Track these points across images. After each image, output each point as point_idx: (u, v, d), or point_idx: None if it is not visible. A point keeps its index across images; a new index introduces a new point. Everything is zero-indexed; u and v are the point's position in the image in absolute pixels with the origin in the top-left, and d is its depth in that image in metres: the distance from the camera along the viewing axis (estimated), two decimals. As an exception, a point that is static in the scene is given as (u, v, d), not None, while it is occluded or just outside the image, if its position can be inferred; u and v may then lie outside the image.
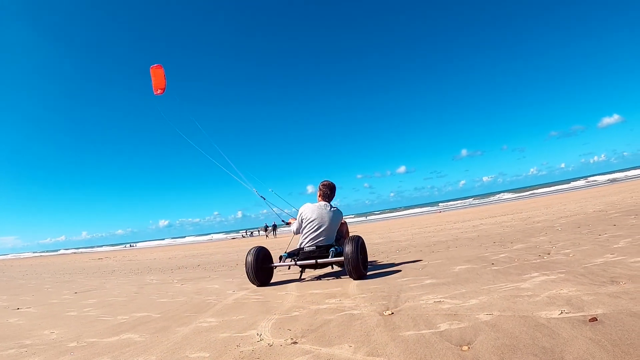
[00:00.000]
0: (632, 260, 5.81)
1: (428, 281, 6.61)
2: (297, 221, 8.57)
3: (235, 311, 5.95)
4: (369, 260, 9.27)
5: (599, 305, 4.01)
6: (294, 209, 9.79)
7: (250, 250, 8.28)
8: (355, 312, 5.07)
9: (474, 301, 4.89)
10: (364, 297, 5.96)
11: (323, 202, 8.57)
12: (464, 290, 5.55)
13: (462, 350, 3.37)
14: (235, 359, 3.77)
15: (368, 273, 8.04)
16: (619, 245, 7.17)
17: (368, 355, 3.49)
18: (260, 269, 8.15)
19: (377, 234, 26.20)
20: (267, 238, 51.65)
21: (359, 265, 7.40)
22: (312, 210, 8.38)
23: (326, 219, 8.27)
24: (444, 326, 4.05)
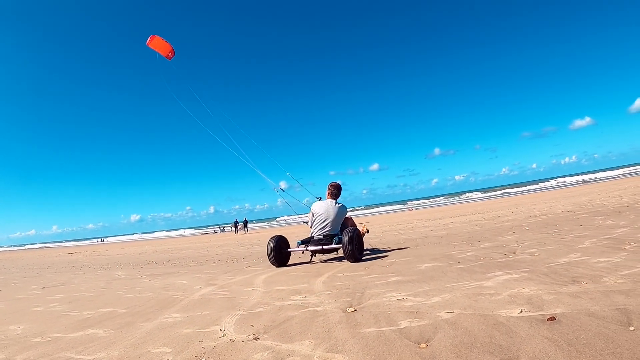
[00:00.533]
0: (595, 260, 5.90)
1: (394, 278, 6.64)
2: (309, 216, 10.35)
3: (200, 307, 5.98)
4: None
5: (558, 304, 4.05)
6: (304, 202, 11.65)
7: (271, 238, 10.06)
8: (318, 308, 5.12)
9: (436, 299, 4.93)
10: (329, 293, 6.00)
11: (330, 200, 10.29)
12: (427, 288, 5.59)
13: (420, 347, 3.40)
14: (197, 355, 3.79)
15: (348, 261, 9.23)
16: (584, 246, 7.28)
17: (327, 352, 3.52)
18: (279, 253, 9.93)
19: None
20: (236, 234, 50.92)
21: (354, 251, 9.03)
22: (320, 207, 10.15)
23: (332, 213, 9.99)
24: (404, 323, 4.09)
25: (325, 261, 10.14)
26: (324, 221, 10.01)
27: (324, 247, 9.81)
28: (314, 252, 10.26)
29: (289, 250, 10.27)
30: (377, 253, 9.94)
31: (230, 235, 51.85)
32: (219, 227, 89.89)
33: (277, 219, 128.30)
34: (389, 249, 11.65)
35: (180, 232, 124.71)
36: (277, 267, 9.77)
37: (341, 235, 9.48)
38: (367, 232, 11.50)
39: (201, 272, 11.03)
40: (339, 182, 10.49)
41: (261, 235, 37.58)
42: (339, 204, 10.21)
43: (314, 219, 10.18)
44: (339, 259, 10.20)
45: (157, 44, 12.29)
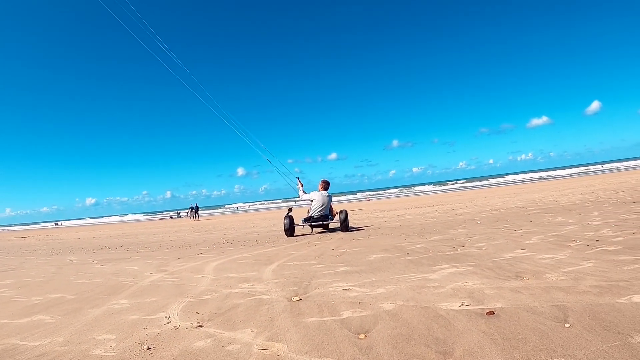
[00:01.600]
0: (540, 256, 6.04)
1: (342, 268, 6.72)
2: (308, 198, 14.96)
3: (149, 293, 5.99)
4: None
5: (499, 299, 4.14)
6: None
7: (285, 216, 14.55)
8: (265, 297, 5.17)
9: (381, 290, 5.01)
10: (276, 282, 6.06)
11: (322, 191, 14.84)
12: (374, 279, 5.66)
13: (358, 338, 3.44)
14: (140, 342, 3.79)
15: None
16: (531, 242, 7.45)
17: (268, 340, 3.55)
18: (291, 227, 14.27)
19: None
20: (193, 220, 49.92)
21: (347, 224, 14.07)
22: (317, 196, 14.70)
23: (325, 201, 14.69)
24: (346, 314, 4.15)
25: (320, 232, 14.63)
26: (320, 206, 14.62)
27: (323, 223, 14.81)
28: (312, 227, 15.08)
29: (296, 225, 14.68)
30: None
31: (185, 221, 50.97)
32: (177, 213, 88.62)
33: (227, 206, 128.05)
34: (341, 238, 11.90)
35: (130, 217, 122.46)
36: (288, 237, 13.95)
37: (330, 215, 14.78)
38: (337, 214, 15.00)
39: (153, 258, 10.99)
40: (327, 179, 15.01)
41: (216, 222, 37.36)
42: (328, 194, 14.90)
43: (313, 204, 14.70)
44: (330, 230, 15.00)
45: None
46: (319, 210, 14.61)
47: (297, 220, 14.66)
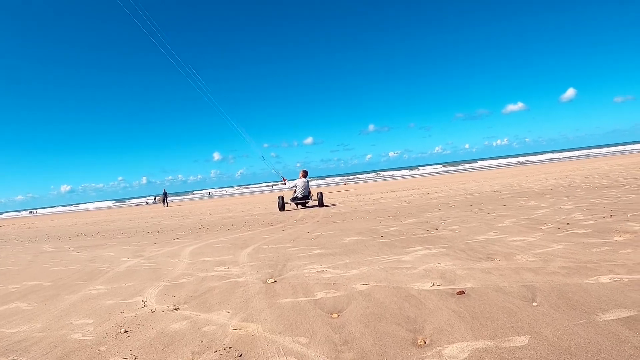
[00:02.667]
0: (512, 239, 6.18)
1: (317, 251, 6.83)
2: (293, 185, 19.29)
3: (125, 278, 6.06)
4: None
5: (469, 279, 4.24)
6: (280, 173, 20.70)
7: (279, 196, 19.38)
8: (240, 279, 5.26)
9: (354, 271, 5.11)
10: (252, 265, 6.15)
11: (304, 178, 19.26)
12: (348, 261, 5.77)
13: (331, 317, 3.53)
14: (117, 325, 3.84)
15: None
16: (503, 225, 7.59)
17: (243, 321, 3.63)
18: (282, 205, 18.99)
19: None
20: (165, 206, 49.05)
21: (322, 201, 18.84)
22: (300, 182, 19.04)
23: (306, 185, 19.09)
24: (320, 294, 4.25)
25: (303, 207, 19.26)
26: (302, 189, 19.07)
27: (306, 202, 19.47)
28: (297, 205, 19.46)
29: (287, 202, 19.58)
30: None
31: (158, 207, 50.26)
32: (154, 198, 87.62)
33: (195, 192, 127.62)
34: (317, 221, 12.08)
35: (100, 204, 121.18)
36: (280, 211, 18.59)
37: (309, 195, 19.35)
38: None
39: (129, 243, 11.05)
40: (306, 169, 19.67)
41: (192, 207, 37.19)
42: (307, 180, 19.47)
43: (297, 188, 19.07)
44: (311, 207, 19.43)
45: None
46: (301, 192, 19.17)
47: (287, 200, 19.63)
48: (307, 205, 19.84)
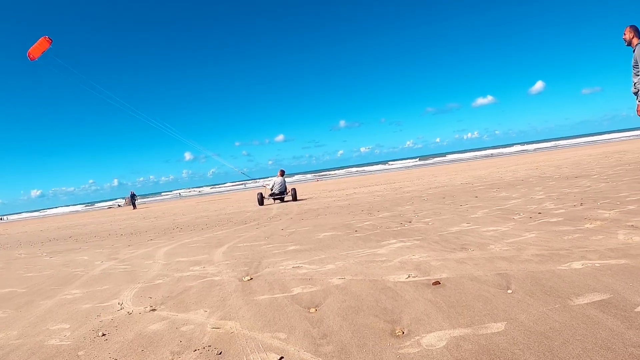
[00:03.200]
0: (485, 229, 6.26)
1: (292, 247, 6.88)
2: (271, 184, 21.61)
3: (101, 282, 6.03)
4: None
5: (444, 270, 4.30)
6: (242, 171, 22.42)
7: (258, 193, 21.78)
8: (216, 278, 5.28)
9: (330, 266, 5.14)
10: (227, 263, 6.18)
11: (280, 177, 21.87)
12: (323, 256, 5.80)
13: (309, 312, 3.55)
14: (94, 329, 3.81)
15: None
16: (476, 215, 7.69)
17: (221, 319, 3.64)
18: (262, 199, 21.31)
19: (252, 202, 26.35)
20: (134, 209, 48.13)
21: (296, 196, 21.87)
22: (277, 179, 21.60)
23: (283, 183, 21.67)
24: (297, 290, 4.28)
25: (281, 202, 21.70)
26: (280, 186, 21.69)
27: (283, 195, 21.90)
28: (275, 200, 22.14)
29: (266, 197, 21.72)
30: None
31: (127, 210, 49.42)
32: (125, 200, 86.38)
33: (164, 193, 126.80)
34: (291, 218, 12.21)
35: (72, 208, 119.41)
36: (259, 206, 21.14)
37: (285, 192, 21.80)
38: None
39: (103, 247, 11.00)
40: (283, 169, 22.36)
41: (165, 208, 36.94)
42: (284, 178, 22.19)
43: (275, 186, 21.55)
44: (286, 201, 21.86)
45: (37, 48, 14.16)
46: (278, 189, 21.77)
47: (257, 197, 21.99)
48: (284, 199, 22.31)
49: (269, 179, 22.72)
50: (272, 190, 21.75)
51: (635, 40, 8.92)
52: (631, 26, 9.01)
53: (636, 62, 8.75)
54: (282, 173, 22.45)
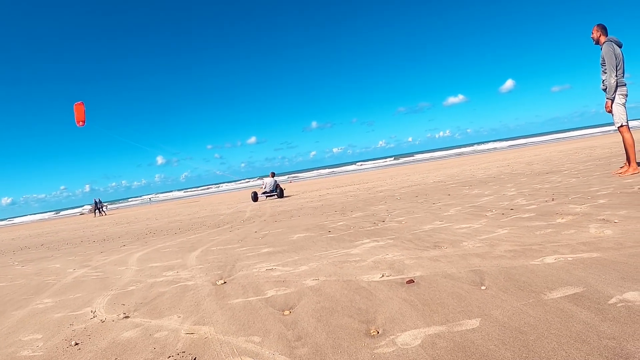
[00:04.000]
0: (458, 226, 6.30)
1: (265, 250, 6.85)
2: (264, 183, 25.67)
3: (73, 290, 5.95)
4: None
5: (418, 268, 4.31)
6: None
7: (252, 192, 26.06)
8: (189, 283, 5.25)
9: (304, 268, 5.13)
10: (201, 267, 6.15)
11: (271, 178, 25.86)
12: (297, 258, 5.80)
13: (283, 314, 3.54)
14: (67, 338, 3.75)
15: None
16: (449, 213, 7.74)
17: (195, 324, 3.61)
18: (255, 197, 25.37)
19: (225, 205, 26.52)
20: (95, 217, 46.97)
21: (283, 194, 25.52)
22: (268, 180, 25.63)
23: (273, 183, 25.60)
24: (271, 292, 4.26)
25: (272, 198, 24.89)
26: (270, 185, 25.26)
27: (274, 194, 25.40)
28: (267, 197, 25.50)
29: (259, 195, 25.41)
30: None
31: (93, 216, 48.58)
32: (90, 207, 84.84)
33: (131, 199, 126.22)
34: (264, 220, 12.20)
35: (42, 215, 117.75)
36: (254, 202, 24.59)
37: (275, 190, 25.31)
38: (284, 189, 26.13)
39: (75, 254, 10.85)
40: (274, 171, 26.55)
41: (137, 213, 36.61)
42: (274, 179, 25.70)
43: (266, 186, 25.23)
44: (275, 197, 24.88)
45: (79, 110, 16.27)
46: (269, 187, 25.44)
47: (252, 195, 25.89)
48: (274, 197, 25.78)
49: (263, 179, 26.74)
50: (264, 188, 25.56)
51: (602, 39, 9.10)
52: (598, 25, 9.22)
53: (603, 60, 8.92)
54: (273, 175, 26.40)
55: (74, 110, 16.23)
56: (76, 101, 16.31)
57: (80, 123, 16.33)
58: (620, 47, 8.97)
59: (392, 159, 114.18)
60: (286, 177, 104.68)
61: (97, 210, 49.66)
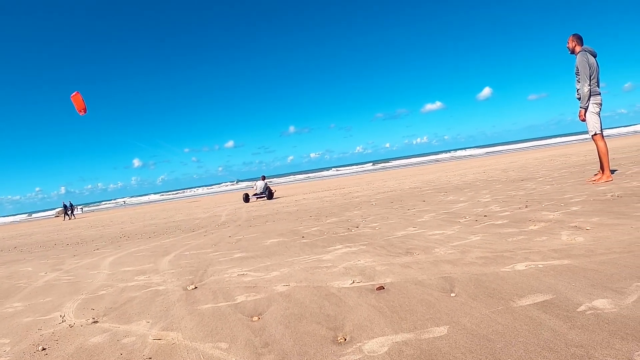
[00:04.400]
0: (430, 233, 6.31)
1: (238, 255, 6.83)
2: (254, 187, 27.49)
3: (44, 294, 5.89)
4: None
5: (389, 274, 4.30)
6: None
7: (244, 194, 27.35)
8: (160, 287, 5.21)
9: (275, 273, 5.11)
10: (173, 272, 6.11)
11: (262, 181, 27.36)
12: (269, 263, 5.77)
13: (252, 321, 3.50)
14: (35, 343, 3.70)
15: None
16: (423, 219, 7.75)
17: (162, 330, 3.57)
18: (247, 198, 26.98)
19: (201, 209, 26.33)
20: (64, 220, 46.15)
21: (272, 196, 26.42)
22: (259, 183, 27.22)
23: (263, 185, 27.00)
24: (241, 298, 4.23)
25: (262, 200, 25.93)
26: (261, 188, 26.63)
27: (264, 196, 26.41)
28: (257, 198, 26.73)
29: (250, 196, 26.81)
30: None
31: (79, 217, 47.73)
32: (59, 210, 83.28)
33: (104, 203, 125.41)
34: (239, 225, 12.18)
35: (12, 218, 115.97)
36: (245, 203, 26.15)
37: (265, 193, 26.35)
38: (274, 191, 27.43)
39: (48, 257, 10.76)
40: (264, 175, 28.45)
41: (113, 217, 36.29)
42: (265, 182, 27.11)
43: (257, 188, 26.74)
44: (264, 199, 25.75)
45: (77, 100, 16.46)
46: (260, 190, 26.92)
47: (243, 196, 27.35)
48: (264, 198, 26.76)
49: (255, 183, 28.09)
50: (255, 190, 27.46)
51: (577, 49, 9.26)
52: (574, 35, 9.38)
53: (577, 69, 9.05)
54: (264, 178, 28.25)
55: (73, 102, 16.41)
56: (72, 91, 16.40)
57: (82, 112, 16.45)
58: (594, 57, 9.12)
59: (370, 164, 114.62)
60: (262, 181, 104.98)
61: (66, 214, 48.93)
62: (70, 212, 49.39)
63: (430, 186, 16.52)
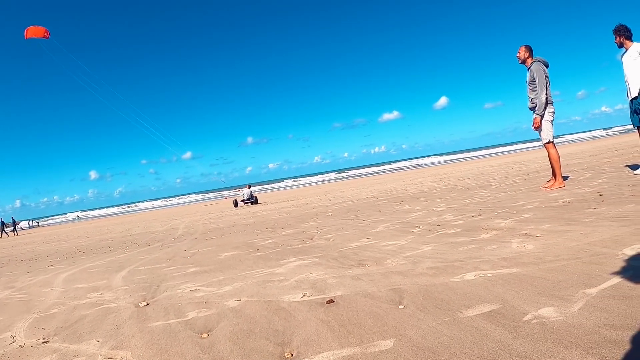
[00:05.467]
0: (384, 244, 6.36)
1: (192, 269, 6.78)
2: (242, 194, 33.61)
3: None
4: None
5: (340, 287, 4.31)
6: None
7: (234, 200, 33.44)
8: (112, 305, 5.13)
9: (227, 288, 5.09)
10: (125, 288, 6.03)
11: (248, 189, 33.31)
12: (222, 277, 5.74)
13: (201, 337, 3.48)
14: None
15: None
16: (377, 230, 7.82)
17: (112, 349, 3.53)
18: (236, 204, 32.20)
19: (159, 222, 26.03)
20: (8, 237, 44.47)
21: (257, 202, 32.80)
22: (246, 190, 33.17)
23: (250, 193, 32.85)
24: (192, 314, 4.20)
25: (250, 205, 29.91)
26: (247, 195, 32.52)
27: (251, 202, 32.45)
28: (245, 204, 31.87)
29: (239, 201, 32.64)
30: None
31: (37, 231, 46.23)
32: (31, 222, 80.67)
33: (64, 215, 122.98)
34: (195, 238, 12.14)
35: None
36: (235, 207, 30.48)
37: (251, 199, 32.48)
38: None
39: (1, 274, 10.52)
40: (249, 184, 34.93)
41: (69, 231, 35.55)
42: (250, 190, 32.95)
43: (244, 195, 32.61)
44: (251, 204, 30.69)
45: (33, 32, 15.74)
46: (247, 196, 31.83)
47: (233, 202, 32.25)
48: (252, 204, 31.63)
49: (241, 189, 34.52)
50: (243, 197, 32.79)
51: (529, 60, 9.57)
52: (525, 46, 9.71)
53: (532, 78, 9.34)
54: (249, 186, 33.56)
55: (32, 35, 16.01)
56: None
57: (47, 34, 16.27)
58: (547, 67, 9.43)
59: (331, 174, 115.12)
60: (222, 193, 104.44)
61: (3, 231, 47.02)
62: (13, 228, 47.84)
63: (387, 195, 16.68)
